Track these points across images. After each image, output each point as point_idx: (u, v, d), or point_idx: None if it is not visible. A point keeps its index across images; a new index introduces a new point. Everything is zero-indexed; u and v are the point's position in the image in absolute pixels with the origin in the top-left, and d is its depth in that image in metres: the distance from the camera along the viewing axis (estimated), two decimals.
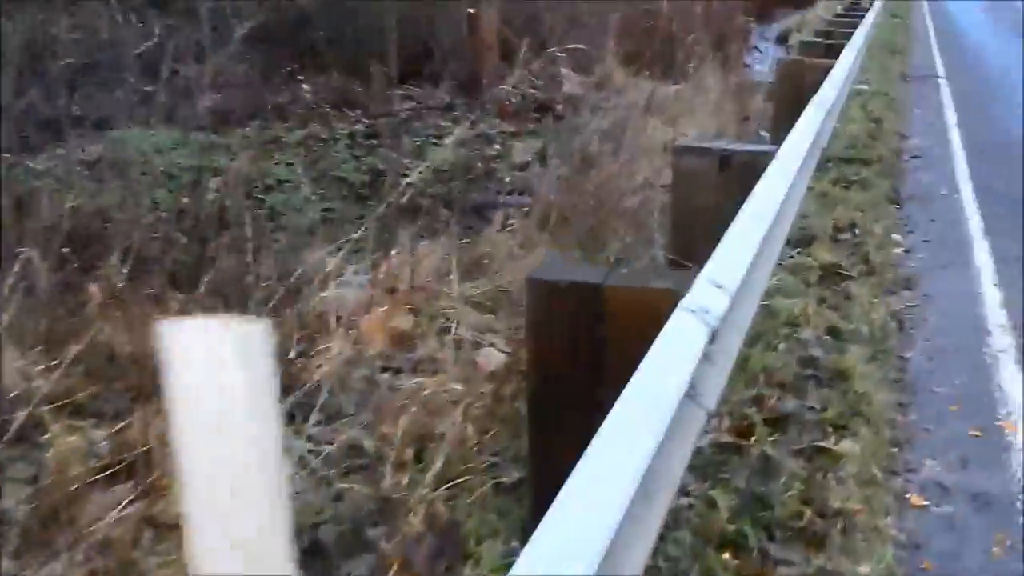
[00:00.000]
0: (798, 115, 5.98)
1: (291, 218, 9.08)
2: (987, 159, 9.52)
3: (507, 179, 9.17)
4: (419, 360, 4.40)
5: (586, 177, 7.85)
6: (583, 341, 2.75)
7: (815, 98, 6.78)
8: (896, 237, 6.93)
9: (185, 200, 8.17)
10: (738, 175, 4.26)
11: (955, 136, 10.81)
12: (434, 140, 11.54)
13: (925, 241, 6.94)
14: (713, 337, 2.47)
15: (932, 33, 21.41)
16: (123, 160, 9.27)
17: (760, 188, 3.91)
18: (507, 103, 12.14)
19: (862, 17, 15.09)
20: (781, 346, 4.56)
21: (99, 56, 12.02)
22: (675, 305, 2.49)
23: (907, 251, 6.68)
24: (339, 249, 5.74)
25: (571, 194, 7.46)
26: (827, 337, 4.80)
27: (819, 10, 26.73)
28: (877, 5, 18.63)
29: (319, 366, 4.14)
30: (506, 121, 11.89)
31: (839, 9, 23.18)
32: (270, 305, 4.80)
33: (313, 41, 15.25)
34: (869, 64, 15.28)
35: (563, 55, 13.81)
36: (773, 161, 4.40)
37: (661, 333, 2.31)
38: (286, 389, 3.60)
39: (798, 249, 6.03)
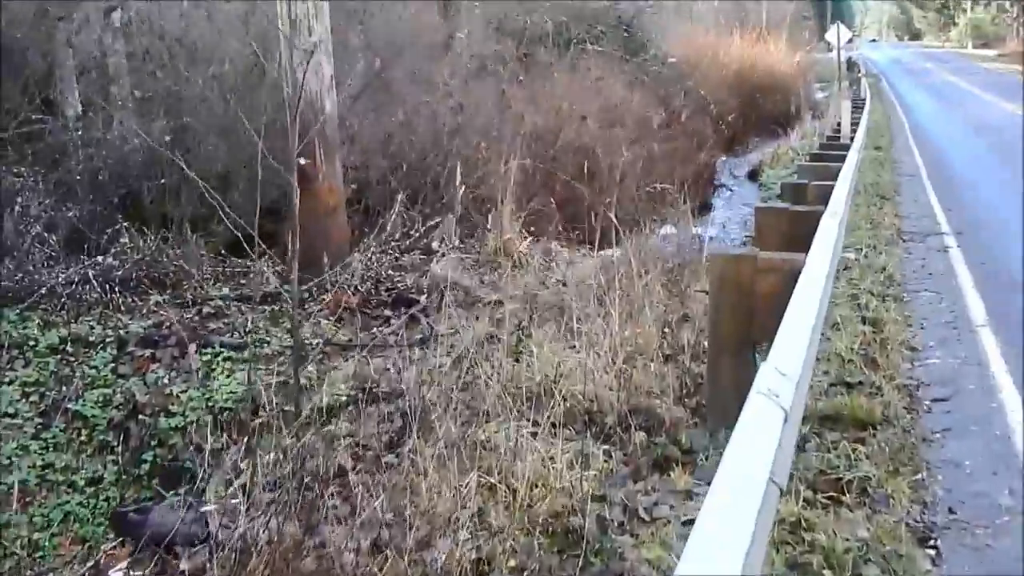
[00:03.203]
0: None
1: None
2: None
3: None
4: None
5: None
6: None
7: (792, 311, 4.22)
8: None
9: None
10: None
11: (990, 344, 7.25)
12: (229, 356, 7.92)
13: None
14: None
15: (923, 170, 18.08)
16: None
17: None
18: (348, 293, 8.57)
19: (842, 154, 11.67)
20: None
21: None
22: None
23: None
24: None
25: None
26: None
27: (793, 141, 23.70)
28: (859, 140, 15.31)
29: None
30: (344, 322, 8.31)
31: (815, 140, 20.17)
32: None
33: (138, 191, 11.89)
34: (855, 218, 11.85)
35: (448, 214, 10.37)
36: None
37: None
38: None
39: None
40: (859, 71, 44.94)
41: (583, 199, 11.03)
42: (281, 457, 5.53)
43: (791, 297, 4.60)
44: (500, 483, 4.86)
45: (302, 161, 9.00)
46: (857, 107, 21.97)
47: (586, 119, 13.55)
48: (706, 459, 5.23)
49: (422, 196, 10.95)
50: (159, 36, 13.79)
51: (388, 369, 6.96)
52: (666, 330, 7.26)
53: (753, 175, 21.35)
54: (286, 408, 6.68)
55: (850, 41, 46.84)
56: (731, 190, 20.32)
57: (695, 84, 23.54)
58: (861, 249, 10.43)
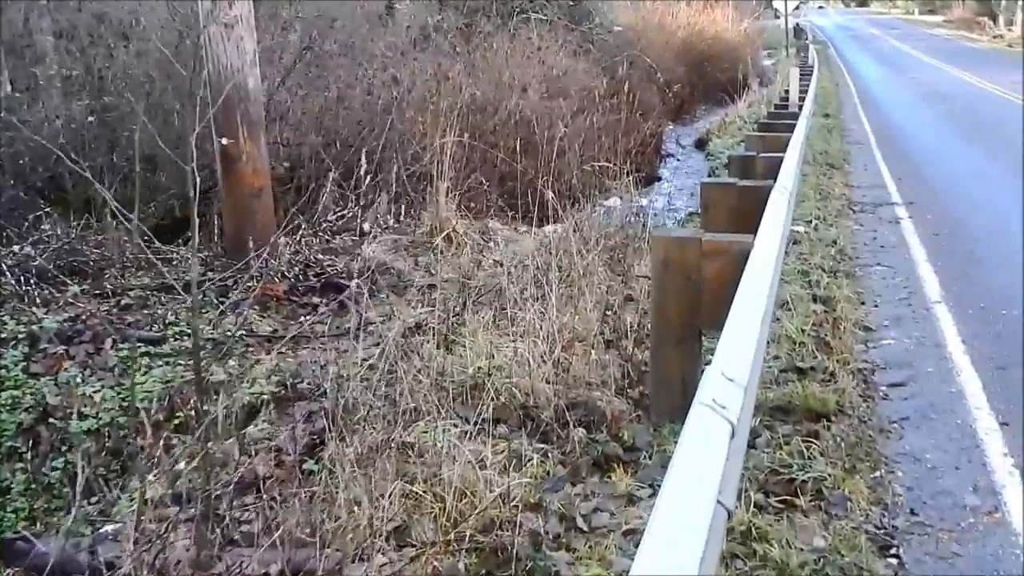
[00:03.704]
0: None
1: None
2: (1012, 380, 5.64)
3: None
4: None
5: None
6: None
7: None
8: None
9: None
10: None
11: (946, 323, 6.95)
12: (147, 351, 7.41)
13: None
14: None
15: (872, 138, 17.85)
16: None
17: None
18: (275, 279, 8.09)
19: (791, 123, 11.31)
20: None
21: None
22: None
23: None
24: None
25: None
26: None
27: (741, 109, 23.39)
28: (808, 108, 14.99)
29: None
30: (269, 311, 7.83)
31: (763, 109, 19.86)
32: None
33: (61, 175, 11.27)
34: (804, 189, 11.53)
35: (382, 193, 9.88)
36: None
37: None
38: None
39: None
40: (807, 38, 44.81)
41: (524, 174, 10.59)
42: (189, 466, 5.07)
43: (739, 284, 4.24)
44: (427, 492, 4.44)
45: (224, 141, 8.51)
46: (805, 74, 21.70)
47: (526, 90, 13.07)
48: (649, 457, 4.87)
49: (355, 174, 10.44)
50: (84, 13, 13.15)
51: (313, 363, 6.49)
52: (608, 313, 6.87)
53: (701, 144, 21.02)
54: (204, 407, 6.21)
55: (797, 8, 46.73)
56: (678, 160, 19.98)
57: (642, 52, 23.11)
58: (811, 221, 10.12)
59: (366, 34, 14.69)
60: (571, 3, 23.99)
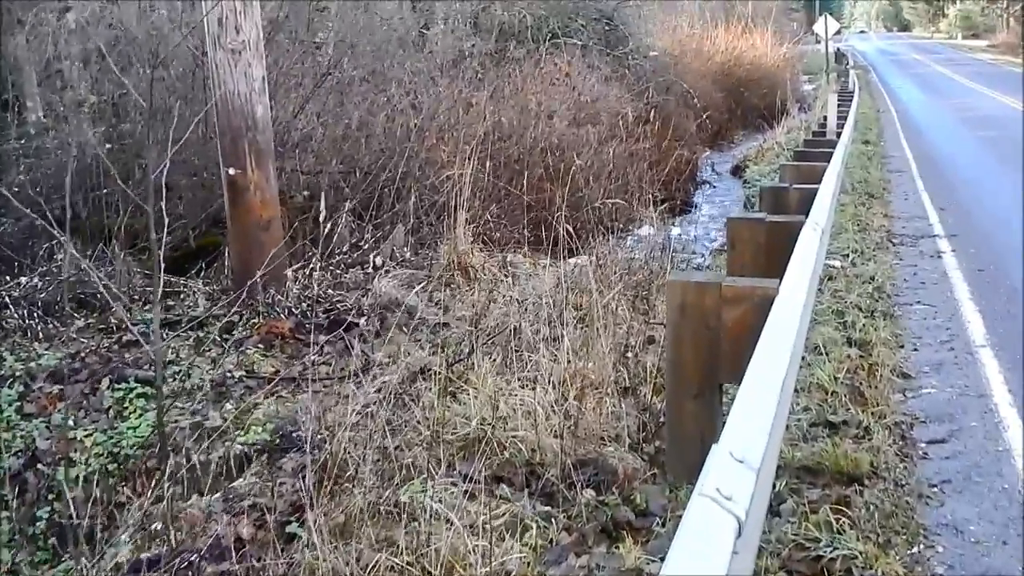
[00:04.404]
0: None
1: None
2: None
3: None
4: None
5: None
6: None
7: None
8: None
9: None
10: None
11: (991, 370, 6.44)
12: (143, 392, 7.08)
13: None
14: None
15: (914, 166, 17.29)
16: None
17: None
18: (281, 316, 7.74)
19: (828, 152, 10.85)
20: None
21: None
22: None
23: None
24: None
25: None
26: None
27: (779, 135, 22.87)
28: (847, 135, 14.49)
29: None
30: (274, 349, 7.48)
31: (801, 135, 19.35)
32: None
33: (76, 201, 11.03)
34: (842, 220, 11.04)
35: (399, 224, 9.53)
36: None
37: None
38: None
39: None
40: (847, 63, 44.18)
41: (550, 203, 10.18)
42: (167, 526, 4.71)
43: (759, 337, 3.82)
44: (414, 565, 4.03)
45: (231, 171, 8.20)
46: (845, 99, 21.19)
47: (552, 117, 12.69)
48: (663, 524, 4.43)
49: (374, 204, 10.10)
50: (112, 39, 12.97)
51: (309, 408, 6.11)
52: (627, 356, 6.44)
53: (737, 171, 20.54)
54: (198, 454, 5.86)
55: (838, 33, 46.12)
56: (714, 187, 19.51)
57: (678, 78, 22.69)
58: (848, 255, 9.63)
59: (394, 59, 14.41)
60: (607, 28, 23.65)
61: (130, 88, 10.05)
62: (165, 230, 10.88)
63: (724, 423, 2.85)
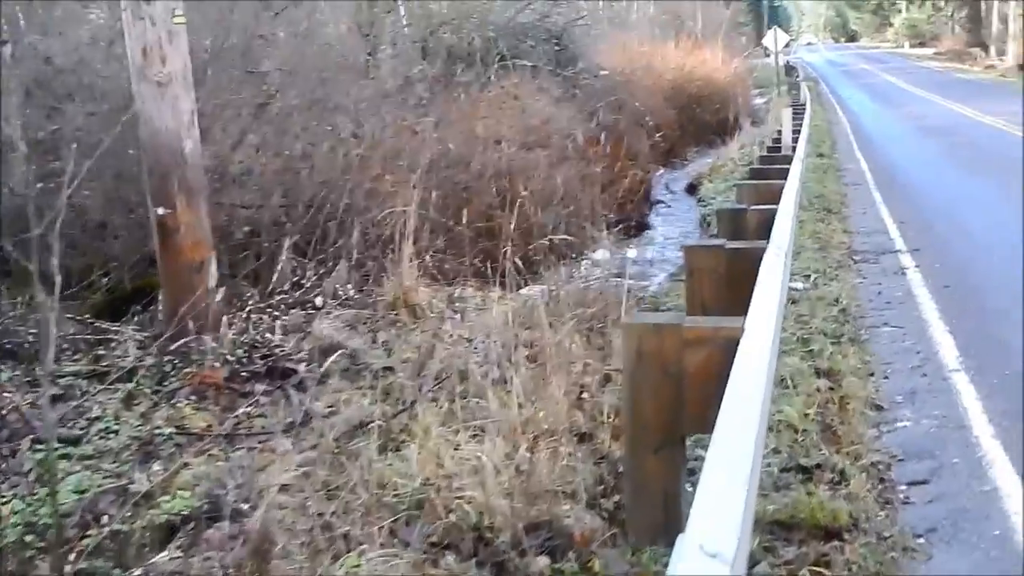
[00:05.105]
0: None
1: None
2: None
3: None
4: None
5: None
6: None
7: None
8: None
9: None
10: None
11: (968, 397, 6.10)
12: (66, 453, 6.54)
13: None
14: None
15: (870, 177, 17.08)
16: None
17: None
18: (214, 366, 7.25)
19: (784, 168, 10.50)
20: None
21: None
22: None
23: None
24: None
25: None
26: None
27: (733, 151, 22.67)
28: (801, 150, 14.22)
29: None
30: (207, 401, 6.99)
31: (755, 150, 19.12)
32: None
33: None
34: (801, 238, 10.73)
35: (342, 260, 9.08)
36: None
37: None
38: None
39: None
40: (798, 75, 44.36)
41: (498, 231, 9.78)
42: None
43: (725, 383, 3.44)
44: None
45: (160, 212, 7.72)
46: (798, 112, 21.03)
47: (500, 143, 12.30)
48: None
49: (317, 238, 9.63)
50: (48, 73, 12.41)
51: (240, 469, 5.62)
52: (583, 396, 6.04)
53: (692, 189, 20.28)
54: (121, 524, 5.36)
55: (787, 46, 46.30)
56: (668, 206, 19.22)
57: (629, 96, 22.43)
58: (809, 276, 9.30)
59: (339, 86, 13.96)
60: (557, 48, 23.35)
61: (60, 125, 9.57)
62: (98, 272, 10.31)
63: (691, 484, 2.44)
